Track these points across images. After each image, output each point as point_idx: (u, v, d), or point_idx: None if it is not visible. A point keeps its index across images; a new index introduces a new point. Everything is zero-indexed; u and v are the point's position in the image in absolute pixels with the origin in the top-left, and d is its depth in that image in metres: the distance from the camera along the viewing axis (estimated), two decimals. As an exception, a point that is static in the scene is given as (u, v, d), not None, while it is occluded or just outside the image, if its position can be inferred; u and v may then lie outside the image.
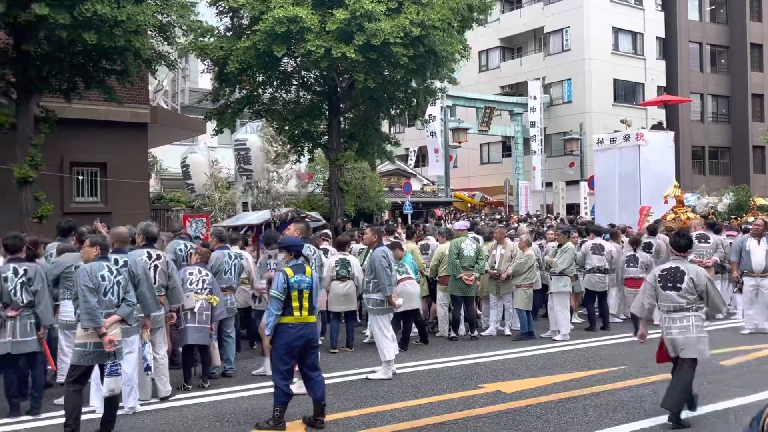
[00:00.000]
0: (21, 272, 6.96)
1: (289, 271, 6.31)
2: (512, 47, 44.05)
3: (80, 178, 16.58)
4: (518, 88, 41.32)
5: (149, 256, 7.40)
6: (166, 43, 14.31)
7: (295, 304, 6.23)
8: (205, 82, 32.98)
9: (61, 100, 14.26)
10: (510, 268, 11.10)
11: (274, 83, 18.20)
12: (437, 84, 18.97)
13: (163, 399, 7.36)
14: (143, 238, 7.57)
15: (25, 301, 6.92)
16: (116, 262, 6.57)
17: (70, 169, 16.21)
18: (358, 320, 12.05)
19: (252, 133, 18.25)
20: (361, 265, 10.89)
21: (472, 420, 6.54)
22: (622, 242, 12.86)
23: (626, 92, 40.89)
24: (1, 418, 6.75)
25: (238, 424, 6.49)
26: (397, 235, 12.34)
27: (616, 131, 21.34)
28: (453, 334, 11.06)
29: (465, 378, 8.31)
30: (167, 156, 26.62)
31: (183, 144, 24.65)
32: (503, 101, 39.25)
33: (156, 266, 7.41)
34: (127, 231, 7.10)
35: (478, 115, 37.23)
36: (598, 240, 12.35)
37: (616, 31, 40.22)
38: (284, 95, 18.82)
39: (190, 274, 8.12)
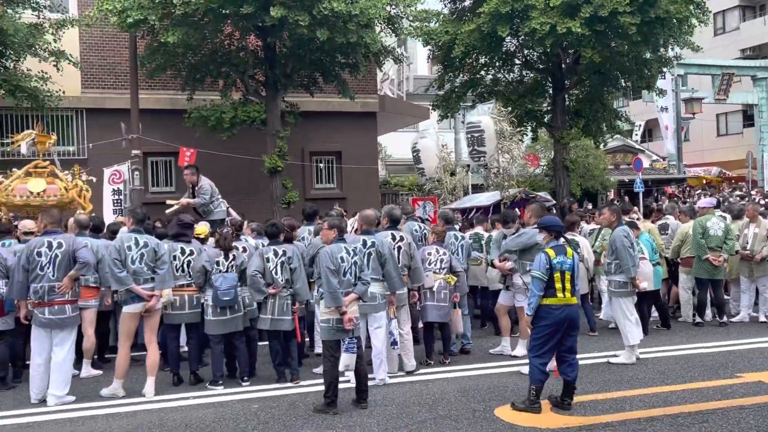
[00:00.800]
0: (280, 253, 7.67)
1: (551, 252, 6.27)
2: (754, 5, 39.82)
3: (320, 166, 17.90)
4: (762, 50, 37.35)
5: (393, 238, 7.79)
6: (393, 34, 14.86)
7: (558, 285, 6.18)
8: (423, 68, 33.80)
9: (300, 94, 15.43)
10: (765, 249, 10.14)
11: (497, 64, 18.13)
12: (671, 52, 17.67)
13: (409, 373, 7.73)
14: (388, 220, 7.98)
15: (283, 281, 7.61)
16: (364, 243, 7.06)
17: (309, 158, 17.55)
18: (590, 303, 11.71)
19: (484, 115, 18.30)
20: (592, 246, 10.58)
21: (734, 411, 6.09)
22: None
23: None
24: (269, 383, 7.54)
25: (483, 401, 6.62)
26: (632, 214, 11.77)
27: None
28: (698, 320, 10.36)
29: (718, 366, 7.75)
30: (390, 143, 27.75)
31: (405, 131, 25.52)
32: (744, 65, 35.59)
33: (399, 247, 7.78)
34: (373, 214, 7.57)
35: (714, 82, 34.12)
36: None
37: None
38: (506, 76, 18.68)
39: (429, 254, 8.40)
